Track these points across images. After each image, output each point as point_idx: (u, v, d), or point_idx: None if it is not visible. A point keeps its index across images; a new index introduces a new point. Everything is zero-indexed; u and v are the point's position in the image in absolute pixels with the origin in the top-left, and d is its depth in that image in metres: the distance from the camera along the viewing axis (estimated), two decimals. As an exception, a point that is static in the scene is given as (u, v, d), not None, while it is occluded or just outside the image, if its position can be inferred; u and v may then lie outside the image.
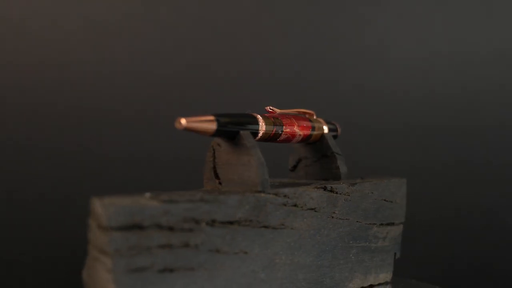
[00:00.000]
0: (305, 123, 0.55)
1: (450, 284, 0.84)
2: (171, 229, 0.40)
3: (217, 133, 0.44)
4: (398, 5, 0.96)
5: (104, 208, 0.38)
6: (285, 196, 0.47)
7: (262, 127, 0.48)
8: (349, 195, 0.52)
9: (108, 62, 0.91)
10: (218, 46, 0.92)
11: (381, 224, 0.56)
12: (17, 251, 0.89)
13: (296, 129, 0.53)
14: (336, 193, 0.51)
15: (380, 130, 0.95)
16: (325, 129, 0.57)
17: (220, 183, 0.47)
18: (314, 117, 0.57)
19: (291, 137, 0.52)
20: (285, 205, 0.47)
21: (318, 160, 0.57)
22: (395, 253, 0.58)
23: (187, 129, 0.43)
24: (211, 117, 0.44)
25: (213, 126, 0.44)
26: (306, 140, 0.56)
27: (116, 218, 0.38)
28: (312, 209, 0.49)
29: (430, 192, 0.95)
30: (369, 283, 0.55)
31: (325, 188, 0.50)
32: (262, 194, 0.45)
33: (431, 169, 0.95)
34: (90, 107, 0.90)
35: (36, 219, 0.89)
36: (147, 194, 0.41)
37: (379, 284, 0.56)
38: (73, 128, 0.90)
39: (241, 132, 0.46)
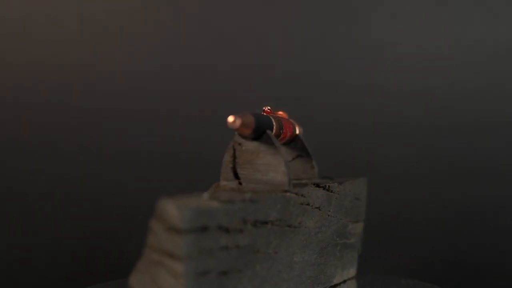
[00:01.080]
0: (289, 124, 0.56)
1: (450, 284, 0.86)
2: (227, 230, 0.39)
3: (254, 132, 0.44)
4: (398, 5, 0.94)
5: (179, 210, 0.36)
6: (302, 195, 0.48)
7: (275, 127, 0.48)
8: (338, 194, 0.54)
9: (108, 62, 0.91)
10: (218, 46, 0.93)
11: (354, 222, 0.59)
12: (18, 251, 0.90)
13: (287, 129, 0.54)
14: (332, 192, 0.53)
15: (380, 129, 0.93)
16: (297, 129, 0.58)
17: (240, 183, 0.46)
18: (286, 117, 0.59)
19: (284, 137, 0.53)
20: (301, 204, 0.48)
21: (294, 159, 0.58)
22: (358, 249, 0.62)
23: (238, 128, 0.42)
24: (251, 117, 0.43)
25: (252, 125, 0.43)
26: (289, 140, 0.57)
27: (190, 220, 0.36)
28: (317, 207, 0.50)
29: (430, 191, 0.94)
30: (343, 278, 0.58)
31: (324, 187, 0.52)
32: (288, 194, 0.46)
33: (432, 168, 0.93)
34: (90, 107, 0.91)
35: (36, 218, 0.90)
36: (205, 195, 0.39)
37: (349, 279, 0.59)
38: (73, 128, 0.90)
39: (268, 131, 0.46)
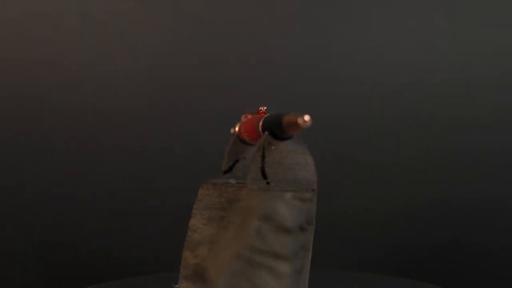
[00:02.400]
0: (250, 125, 0.57)
1: (450, 284, 0.87)
2: (303, 229, 0.40)
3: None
4: (398, 4, 0.94)
5: (290, 209, 0.36)
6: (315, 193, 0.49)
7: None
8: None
9: (107, 62, 0.91)
10: (218, 46, 0.92)
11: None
12: (18, 251, 0.90)
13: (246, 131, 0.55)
14: None
15: (379, 129, 0.92)
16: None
17: (268, 183, 0.46)
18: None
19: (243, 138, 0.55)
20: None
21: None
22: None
23: (290, 128, 0.42)
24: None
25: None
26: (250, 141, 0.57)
27: (296, 220, 0.36)
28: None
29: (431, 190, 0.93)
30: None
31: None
32: (314, 193, 0.47)
33: (432, 168, 0.92)
34: (90, 107, 0.90)
35: (36, 218, 0.90)
36: (288, 194, 0.39)
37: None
38: (72, 128, 0.90)
39: (299, 131, 0.46)
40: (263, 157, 0.46)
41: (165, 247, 0.78)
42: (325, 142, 0.90)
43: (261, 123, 0.48)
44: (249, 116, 0.57)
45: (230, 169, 0.57)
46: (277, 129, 0.45)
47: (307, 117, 0.40)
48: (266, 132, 0.46)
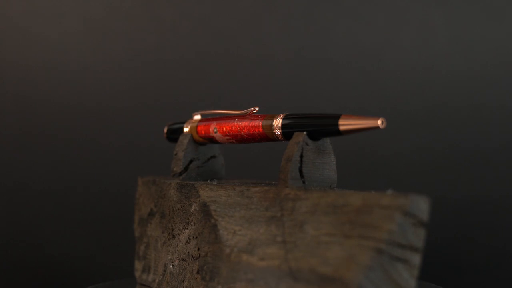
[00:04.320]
0: (207, 124, 0.57)
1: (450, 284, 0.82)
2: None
3: None
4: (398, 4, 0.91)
5: (426, 204, 0.39)
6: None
7: None
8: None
9: (108, 62, 0.91)
10: (218, 46, 0.92)
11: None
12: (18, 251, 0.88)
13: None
14: None
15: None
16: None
17: (303, 182, 0.48)
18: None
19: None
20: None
21: (208, 160, 0.59)
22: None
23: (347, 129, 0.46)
24: None
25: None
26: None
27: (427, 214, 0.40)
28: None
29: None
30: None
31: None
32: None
33: (432, 168, 0.91)
34: (90, 107, 0.90)
35: (36, 218, 0.89)
36: (389, 191, 0.42)
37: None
38: (72, 128, 0.90)
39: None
40: (302, 157, 0.47)
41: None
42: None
43: (278, 123, 0.49)
44: (199, 116, 0.57)
45: (185, 169, 0.56)
46: (323, 131, 0.47)
47: (383, 120, 0.43)
48: (305, 133, 0.47)
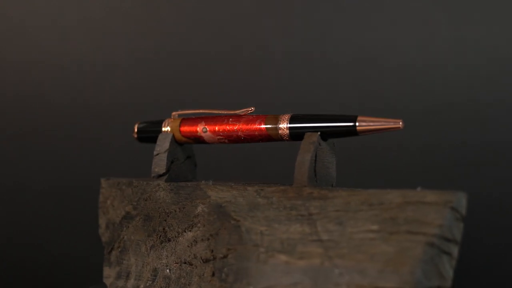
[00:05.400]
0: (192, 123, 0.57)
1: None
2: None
3: None
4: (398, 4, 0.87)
5: (465, 200, 0.44)
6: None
7: None
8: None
9: (108, 62, 0.91)
10: (218, 46, 0.91)
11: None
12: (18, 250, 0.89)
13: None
14: None
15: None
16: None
17: (316, 181, 0.50)
18: None
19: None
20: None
21: (185, 160, 0.58)
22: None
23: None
24: None
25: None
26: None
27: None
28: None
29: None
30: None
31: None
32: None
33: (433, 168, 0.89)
34: (90, 107, 0.90)
35: (36, 217, 0.89)
36: (419, 188, 0.46)
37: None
38: (72, 128, 0.90)
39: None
40: (316, 156, 0.49)
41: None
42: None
43: (285, 124, 0.51)
44: (177, 115, 0.57)
45: (168, 170, 0.56)
46: (338, 131, 0.49)
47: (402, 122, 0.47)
48: (318, 133, 0.49)
